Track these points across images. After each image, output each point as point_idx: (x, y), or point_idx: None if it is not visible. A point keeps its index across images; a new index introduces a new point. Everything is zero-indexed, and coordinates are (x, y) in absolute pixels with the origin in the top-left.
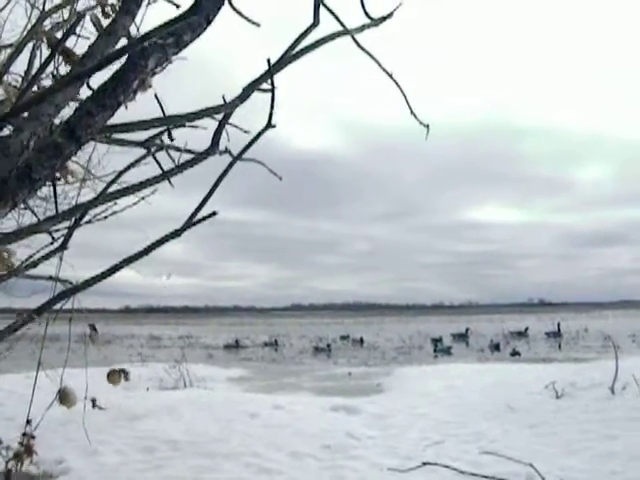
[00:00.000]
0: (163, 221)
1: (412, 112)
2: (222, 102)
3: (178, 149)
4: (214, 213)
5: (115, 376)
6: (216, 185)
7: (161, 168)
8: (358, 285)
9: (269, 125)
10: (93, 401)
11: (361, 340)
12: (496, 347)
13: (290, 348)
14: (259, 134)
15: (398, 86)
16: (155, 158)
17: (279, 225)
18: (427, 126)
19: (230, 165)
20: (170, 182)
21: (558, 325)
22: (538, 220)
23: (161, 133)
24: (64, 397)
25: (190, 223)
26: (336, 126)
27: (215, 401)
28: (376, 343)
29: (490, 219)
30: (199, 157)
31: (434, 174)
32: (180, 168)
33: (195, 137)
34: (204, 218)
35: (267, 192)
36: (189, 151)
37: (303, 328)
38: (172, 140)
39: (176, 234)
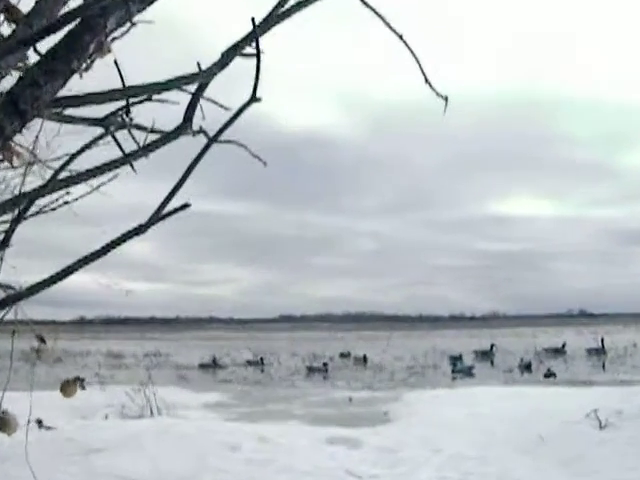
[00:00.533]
0: (125, 215)
1: (427, 80)
2: (196, 70)
3: (143, 128)
4: (186, 205)
5: (70, 387)
6: (189, 171)
7: (122, 150)
8: (361, 292)
9: (253, 99)
10: (39, 422)
11: (364, 358)
12: (527, 367)
13: (278, 368)
14: (241, 110)
15: (410, 50)
16: (115, 138)
17: (265, 219)
18: (445, 98)
19: (205, 148)
20: (133, 167)
21: (602, 340)
22: (577, 214)
23: (122, 108)
24: (3, 423)
25: (157, 217)
26: (336, 101)
27: (187, 432)
28: (382, 362)
29: (519, 212)
30: (168, 137)
31: (452, 159)
32: (145, 150)
33: (164, 113)
34: (174, 211)
35: (251, 179)
36: (156, 130)
37: (294, 344)
38: (129, 116)
39: (141, 230)
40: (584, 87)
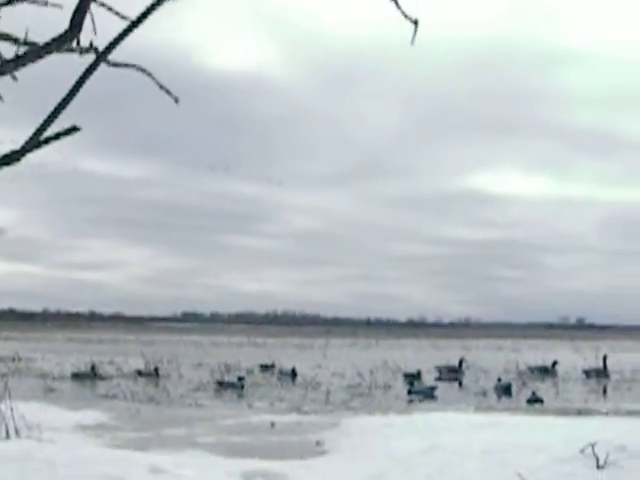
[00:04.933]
0: None
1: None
2: None
3: (13, 39)
4: (75, 128)
5: None
6: (72, 94)
7: None
8: (291, 285)
9: None
10: None
11: (293, 372)
12: (506, 390)
13: (179, 381)
14: (145, 13)
15: None
16: None
17: (171, 185)
18: (415, 22)
19: (93, 66)
20: None
21: (604, 359)
22: (581, 195)
23: None
24: None
25: (37, 141)
26: (275, 38)
27: (57, 459)
28: (316, 378)
29: (507, 190)
30: (46, 48)
31: (423, 118)
32: (15, 63)
33: (42, 19)
34: (61, 134)
35: (155, 132)
36: (30, 43)
37: (201, 351)
38: None
39: (13, 157)
40: (599, 35)
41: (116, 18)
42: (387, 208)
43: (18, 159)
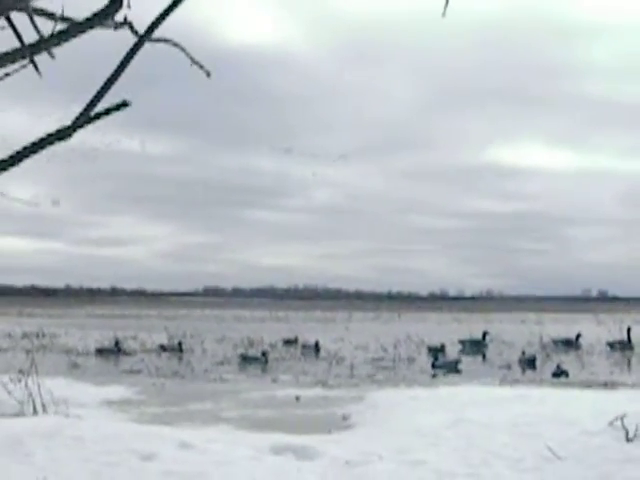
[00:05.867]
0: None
1: None
2: None
3: (49, 15)
4: (125, 104)
5: None
6: (119, 71)
7: (20, 39)
8: (312, 260)
9: None
10: None
11: (316, 346)
12: (530, 363)
13: (202, 356)
14: None
15: None
16: (12, 24)
17: (193, 161)
18: None
19: (139, 42)
20: (35, 65)
21: (628, 331)
22: (604, 167)
23: None
24: None
25: (87, 117)
26: (294, 12)
27: (86, 435)
28: (340, 352)
29: (528, 163)
30: (87, 24)
31: (445, 91)
32: (51, 41)
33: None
34: (112, 109)
35: (178, 108)
36: (68, 19)
37: (223, 325)
38: None
39: (65, 133)
40: (625, 6)
41: None
42: (409, 181)
43: (70, 135)
